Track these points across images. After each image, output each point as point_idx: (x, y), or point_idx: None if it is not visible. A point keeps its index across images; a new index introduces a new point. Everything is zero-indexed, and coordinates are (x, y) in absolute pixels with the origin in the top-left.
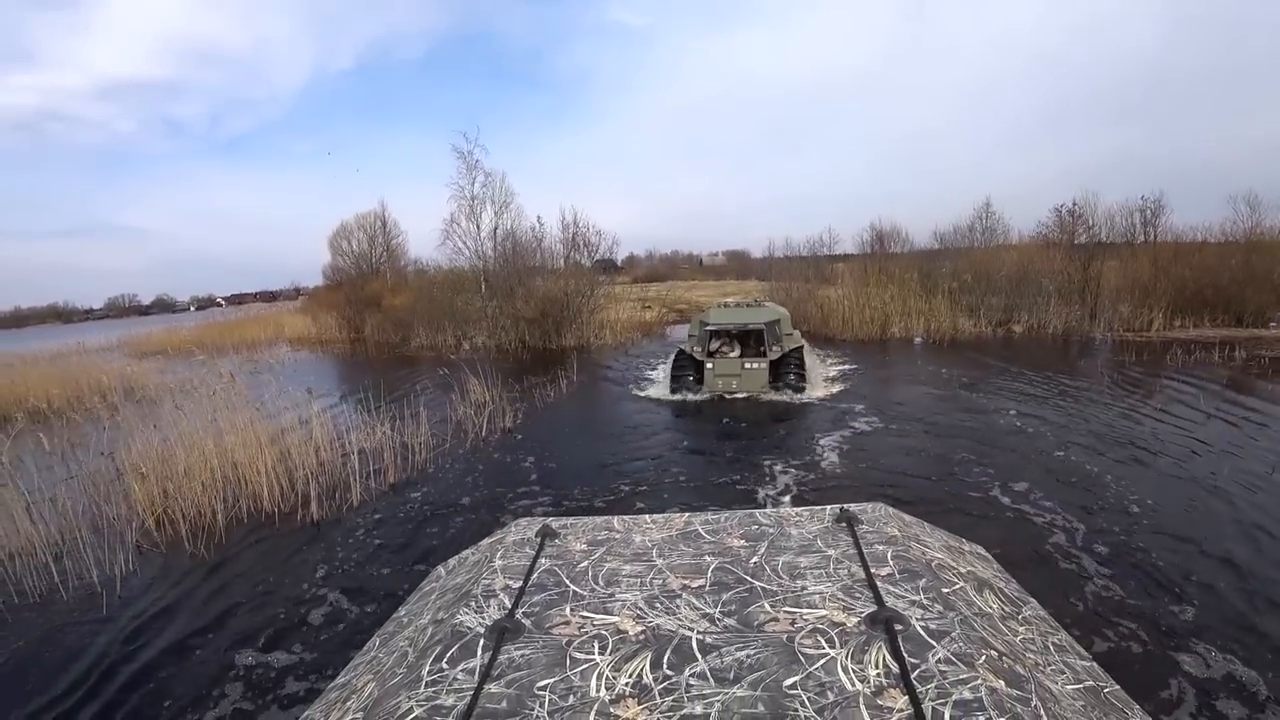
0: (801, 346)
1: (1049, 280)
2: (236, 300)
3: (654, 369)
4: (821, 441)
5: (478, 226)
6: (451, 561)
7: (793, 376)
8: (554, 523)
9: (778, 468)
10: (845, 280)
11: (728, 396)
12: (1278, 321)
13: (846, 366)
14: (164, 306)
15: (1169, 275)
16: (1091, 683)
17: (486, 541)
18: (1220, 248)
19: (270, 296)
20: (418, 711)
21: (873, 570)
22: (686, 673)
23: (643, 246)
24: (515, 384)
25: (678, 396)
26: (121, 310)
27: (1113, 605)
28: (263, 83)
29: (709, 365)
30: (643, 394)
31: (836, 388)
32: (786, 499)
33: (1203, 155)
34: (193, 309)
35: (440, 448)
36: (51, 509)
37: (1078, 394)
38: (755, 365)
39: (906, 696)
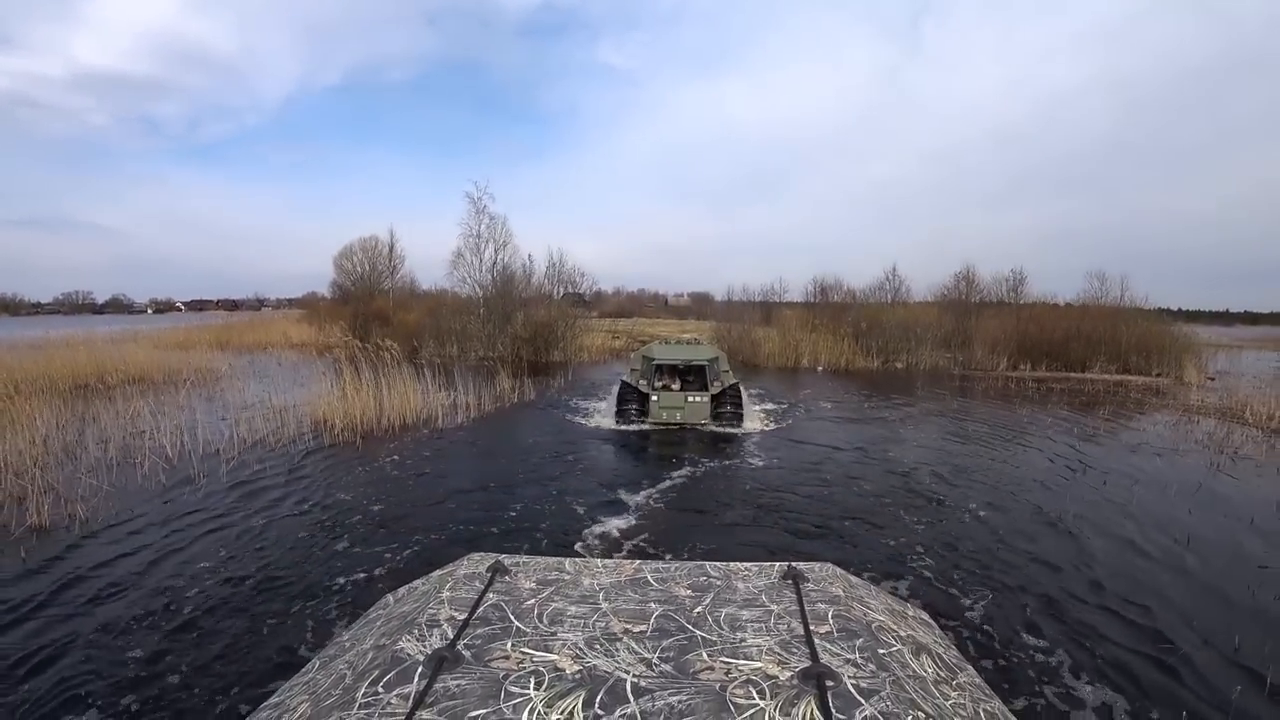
0: (737, 384)
1: (922, 329)
2: (197, 306)
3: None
4: (756, 459)
5: (480, 260)
6: (401, 590)
7: (729, 409)
8: (506, 559)
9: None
10: (783, 324)
11: (670, 426)
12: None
13: (768, 390)
14: (119, 307)
15: (1018, 330)
16: None
17: (437, 573)
18: (1065, 310)
19: (232, 305)
20: None
21: (812, 628)
22: (617, 713)
23: (613, 282)
24: (528, 379)
25: (623, 426)
26: (74, 307)
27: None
28: (247, 90)
29: (654, 398)
30: (593, 423)
31: (762, 406)
32: (729, 535)
33: (1146, 226)
34: (150, 311)
35: (495, 404)
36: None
37: (904, 399)
38: (698, 398)
39: None
